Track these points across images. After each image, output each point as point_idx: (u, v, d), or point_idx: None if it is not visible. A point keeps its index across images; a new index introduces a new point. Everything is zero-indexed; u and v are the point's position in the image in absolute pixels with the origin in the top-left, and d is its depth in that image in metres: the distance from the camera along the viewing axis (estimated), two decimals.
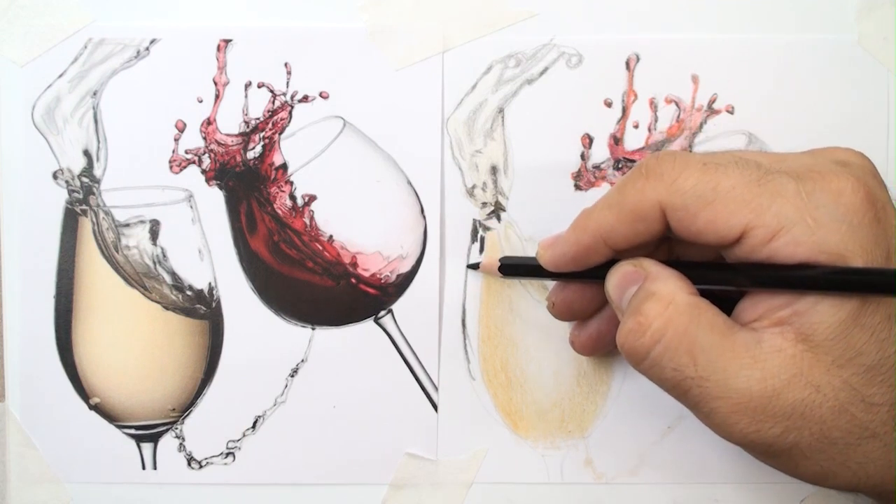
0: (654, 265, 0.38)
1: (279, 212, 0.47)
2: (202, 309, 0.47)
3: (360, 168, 0.47)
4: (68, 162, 0.47)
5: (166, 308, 0.47)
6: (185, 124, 0.47)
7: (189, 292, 0.47)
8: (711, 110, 0.47)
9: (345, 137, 0.47)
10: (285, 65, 0.47)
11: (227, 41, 0.47)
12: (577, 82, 0.47)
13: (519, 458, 0.48)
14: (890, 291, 0.33)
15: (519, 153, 0.47)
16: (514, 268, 0.45)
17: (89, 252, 0.46)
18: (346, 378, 0.47)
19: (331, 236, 0.47)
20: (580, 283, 0.43)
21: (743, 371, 0.34)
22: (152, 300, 0.47)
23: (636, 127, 0.47)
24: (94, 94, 0.46)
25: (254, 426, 0.47)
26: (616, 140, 0.47)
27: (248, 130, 0.47)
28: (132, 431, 0.47)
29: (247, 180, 0.47)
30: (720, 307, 0.36)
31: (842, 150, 0.38)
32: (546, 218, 0.47)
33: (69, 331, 0.47)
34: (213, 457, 0.47)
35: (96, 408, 0.47)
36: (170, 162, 0.47)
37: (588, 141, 0.47)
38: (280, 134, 0.47)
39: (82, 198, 0.46)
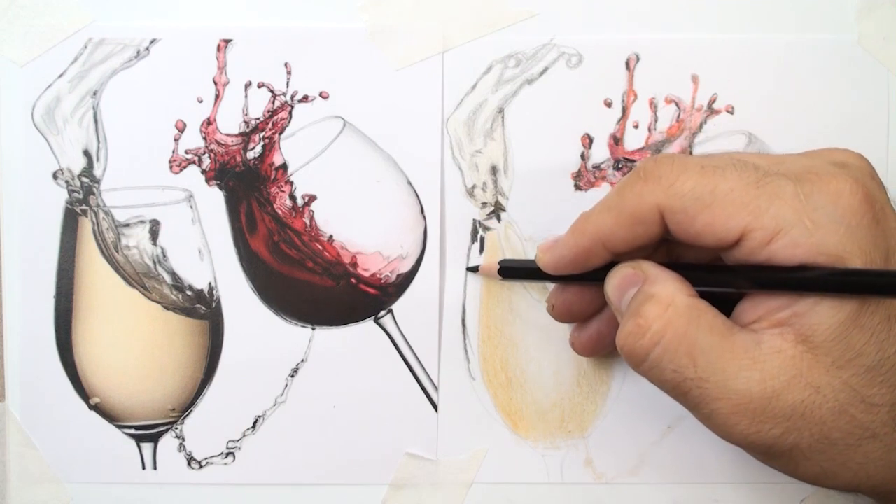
0: (653, 267, 0.38)
1: (279, 212, 0.47)
2: (202, 309, 0.47)
3: (360, 168, 0.47)
4: (68, 162, 0.47)
5: (166, 308, 0.47)
6: (185, 124, 0.47)
7: (189, 292, 0.47)
8: (711, 110, 0.47)
9: (345, 137, 0.47)
10: (285, 65, 0.47)
11: (227, 41, 0.47)
12: (577, 82, 0.47)
13: (519, 458, 0.48)
14: (889, 292, 0.33)
15: (519, 153, 0.47)
16: (513, 271, 0.45)
17: (89, 252, 0.46)
18: (346, 378, 0.47)
19: (331, 236, 0.47)
20: (579, 286, 0.43)
21: (742, 372, 0.34)
22: (152, 300, 0.47)
23: (636, 127, 0.47)
24: (94, 94, 0.46)
25: (254, 426, 0.47)
26: (616, 140, 0.47)
27: (248, 130, 0.47)
28: (132, 431, 0.47)
29: (247, 180, 0.47)
30: (719, 309, 0.36)
31: (840, 152, 0.38)
32: (546, 218, 0.47)
33: (69, 331, 0.47)
34: (213, 457, 0.47)
35: (96, 408, 0.47)
36: (170, 162, 0.47)
37: (588, 141, 0.47)
38: (280, 134, 0.47)
39: (82, 198, 0.46)
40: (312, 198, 0.47)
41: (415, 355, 0.47)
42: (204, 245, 0.47)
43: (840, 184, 0.34)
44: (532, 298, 0.47)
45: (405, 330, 0.47)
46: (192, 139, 0.47)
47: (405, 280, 0.47)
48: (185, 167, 0.47)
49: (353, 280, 0.47)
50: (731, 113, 0.47)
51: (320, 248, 0.47)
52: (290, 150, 0.47)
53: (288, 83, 0.47)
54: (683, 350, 0.35)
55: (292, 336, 0.47)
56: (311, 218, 0.47)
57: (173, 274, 0.47)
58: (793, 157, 0.38)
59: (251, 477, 0.47)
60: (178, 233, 0.47)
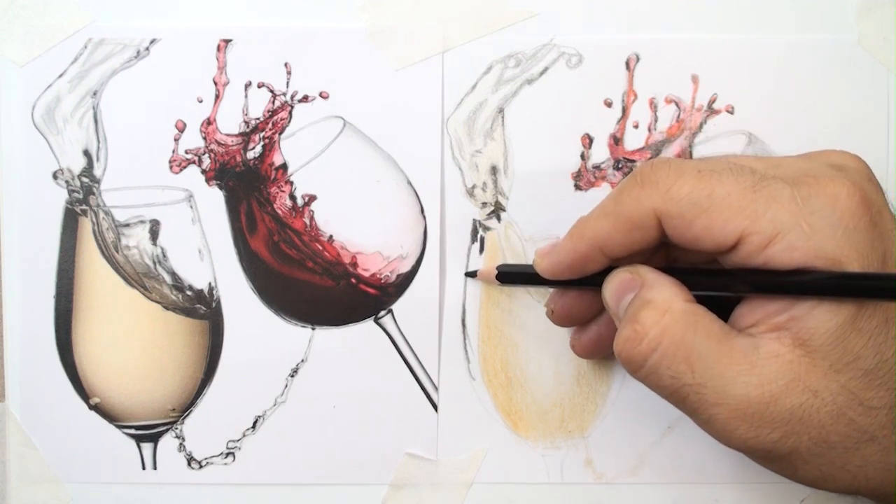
0: (651, 272, 0.38)
1: (279, 212, 0.47)
2: (202, 309, 0.47)
3: (360, 168, 0.47)
4: (68, 162, 0.47)
5: (166, 308, 0.47)
6: (185, 124, 0.47)
7: (189, 292, 0.47)
8: (711, 110, 0.47)
9: (345, 137, 0.47)
10: (285, 65, 0.47)
11: (227, 41, 0.47)
12: (577, 82, 0.47)
13: (519, 458, 0.48)
14: (886, 295, 0.33)
15: (519, 153, 0.47)
16: (511, 276, 0.45)
17: (89, 252, 0.46)
18: (346, 378, 0.47)
19: (331, 236, 0.47)
20: (578, 290, 0.43)
21: (740, 377, 0.34)
22: (152, 300, 0.47)
23: (636, 127, 0.47)
24: (94, 94, 0.46)
25: (254, 426, 0.47)
26: (616, 140, 0.47)
27: (248, 130, 0.47)
28: (132, 431, 0.47)
29: (247, 180, 0.47)
30: (717, 313, 0.36)
31: (837, 154, 0.38)
32: (546, 218, 0.47)
33: (69, 331, 0.47)
34: (213, 457, 0.47)
35: (96, 408, 0.47)
36: (170, 162, 0.47)
37: (588, 141, 0.47)
38: (280, 134, 0.47)
39: (82, 198, 0.46)
40: (312, 198, 0.47)
41: (415, 355, 0.47)
42: (204, 245, 0.47)
43: (837, 187, 0.34)
44: (532, 299, 0.47)
45: (405, 330, 0.47)
46: (192, 139, 0.47)
47: (405, 280, 0.47)
48: (185, 167, 0.47)
49: (353, 280, 0.47)
50: (731, 113, 0.47)
51: (320, 248, 0.47)
52: (290, 150, 0.47)
53: (288, 83, 0.47)
54: (681, 356, 0.35)
55: (292, 336, 0.47)
56: (311, 218, 0.47)
57: (173, 274, 0.47)
58: (789, 160, 0.38)
59: (251, 477, 0.47)
60: (178, 233, 0.47)
